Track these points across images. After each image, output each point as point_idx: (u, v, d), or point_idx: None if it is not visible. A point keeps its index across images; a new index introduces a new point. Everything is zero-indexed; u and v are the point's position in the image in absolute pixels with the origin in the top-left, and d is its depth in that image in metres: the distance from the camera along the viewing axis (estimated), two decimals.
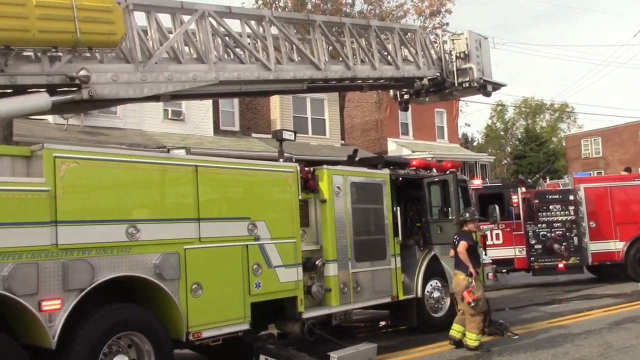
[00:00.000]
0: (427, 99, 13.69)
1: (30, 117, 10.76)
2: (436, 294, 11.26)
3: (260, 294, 8.04)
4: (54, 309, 6.01)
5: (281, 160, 9.56)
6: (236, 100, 25.40)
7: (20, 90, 7.09)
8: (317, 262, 9.06)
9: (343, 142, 29.58)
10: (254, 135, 25.97)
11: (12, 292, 5.74)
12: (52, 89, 7.23)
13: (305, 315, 8.71)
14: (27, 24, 6.57)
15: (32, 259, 5.94)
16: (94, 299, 6.40)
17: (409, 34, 12.23)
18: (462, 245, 9.82)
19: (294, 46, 10.28)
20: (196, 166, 7.59)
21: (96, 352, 6.33)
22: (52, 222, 6.13)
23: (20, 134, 14.31)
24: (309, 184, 9.32)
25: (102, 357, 6.43)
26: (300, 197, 8.93)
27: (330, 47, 10.87)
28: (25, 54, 7.09)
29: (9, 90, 7.10)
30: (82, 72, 7.19)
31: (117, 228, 6.67)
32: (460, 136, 44.60)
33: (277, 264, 8.31)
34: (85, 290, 6.27)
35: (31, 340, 6.05)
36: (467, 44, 12.60)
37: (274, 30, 9.82)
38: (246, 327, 7.81)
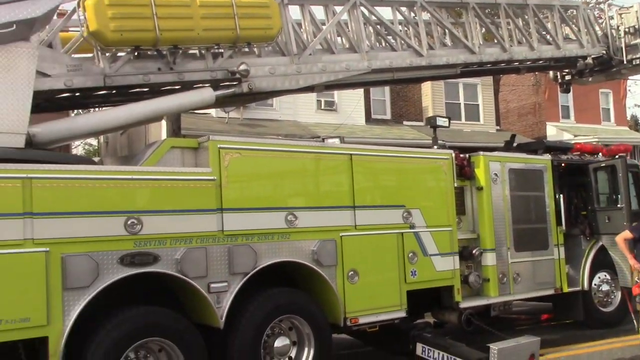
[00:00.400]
0: (590, 79, 12.77)
1: (195, 111, 11.45)
2: (605, 287, 10.54)
3: (416, 282, 7.98)
4: (221, 291, 6.38)
5: (435, 147, 9.40)
6: (387, 89, 25.37)
7: (187, 86, 7.56)
8: (474, 251, 8.82)
9: (498, 127, 28.52)
10: (405, 123, 25.79)
11: (184, 275, 6.17)
12: (215, 84, 7.63)
13: (463, 305, 8.52)
14: (192, 23, 6.97)
15: (201, 243, 6.34)
16: (256, 282, 6.70)
17: (570, 10, 11.48)
18: (619, 236, 9.13)
19: (446, 30, 10.04)
20: (351, 155, 7.67)
21: (260, 333, 6.64)
22: (218, 210, 6.49)
23: (187, 127, 15.30)
24: (464, 171, 9.08)
25: (265, 338, 6.73)
26: (455, 185, 8.74)
27: (484, 29, 10.48)
28: (190, 52, 7.53)
29: (177, 87, 7.59)
30: (242, 67, 7.50)
31: (277, 215, 6.92)
32: (629, 118, 41.26)
33: (432, 252, 8.21)
34: (249, 274, 6.58)
35: (201, 319, 6.45)
36: (637, 18, 11.57)
37: (425, 16, 9.65)
38: (402, 314, 7.80)
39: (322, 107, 23.00)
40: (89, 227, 5.71)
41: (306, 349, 7.06)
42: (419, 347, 7.93)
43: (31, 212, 5.42)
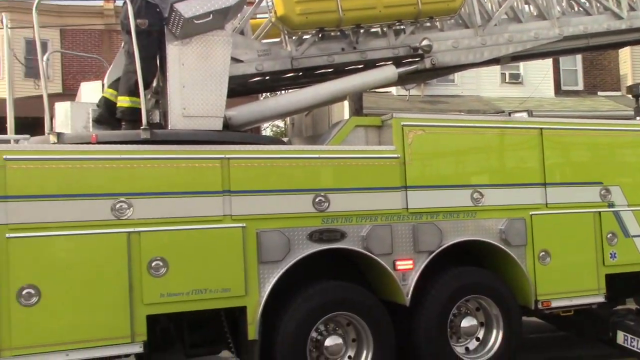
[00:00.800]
0: None
1: (376, 90, 11.53)
2: None
3: (616, 265, 7.36)
4: (406, 269, 6.38)
5: (638, 118, 8.59)
6: (579, 57, 23.68)
7: (370, 65, 7.59)
8: None
9: None
10: (600, 93, 23.94)
11: (370, 251, 6.25)
12: (397, 61, 7.59)
13: None
14: (373, 1, 6.97)
15: (386, 221, 6.37)
16: (440, 261, 6.61)
17: None
18: None
19: None
20: (541, 129, 7.23)
21: (446, 312, 6.57)
22: (402, 187, 6.47)
23: (368, 106, 15.52)
24: None
25: (451, 318, 6.64)
26: None
27: None
28: (372, 30, 7.55)
29: (360, 66, 7.67)
30: (425, 42, 7.38)
31: (462, 193, 6.75)
32: None
33: (636, 233, 7.50)
34: (434, 253, 6.51)
35: (387, 296, 6.51)
36: None
37: None
38: (600, 299, 7.25)
39: (507, 80, 22.12)
40: (281, 204, 5.99)
41: (494, 331, 6.87)
42: (621, 335, 7.34)
43: (229, 190, 5.80)
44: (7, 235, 5.09)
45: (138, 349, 5.43)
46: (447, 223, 6.63)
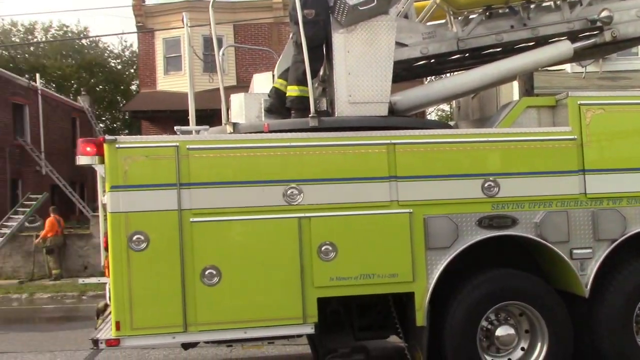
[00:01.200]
0: None
1: (547, 68, 10.89)
2: None
3: None
4: (585, 258, 6.00)
5: None
6: None
7: (542, 41, 7.19)
8: None
9: None
10: None
11: (544, 239, 5.96)
12: (572, 36, 7.12)
13: None
14: None
15: (562, 207, 6.03)
16: (624, 250, 6.13)
17: None
18: None
19: None
20: None
21: (632, 306, 6.10)
22: (580, 171, 6.08)
23: (539, 86, 14.64)
24: None
25: (637, 312, 6.15)
26: None
27: None
28: (544, 4, 7.14)
29: (531, 43, 7.28)
30: (604, 14, 6.85)
31: None
32: None
33: None
34: (617, 241, 6.05)
35: (562, 286, 6.18)
36: None
37: None
38: None
39: None
40: (448, 189, 5.88)
41: None
42: None
43: (395, 176, 5.79)
44: (191, 219, 5.51)
45: (309, 330, 5.64)
46: (632, 209, 6.12)
